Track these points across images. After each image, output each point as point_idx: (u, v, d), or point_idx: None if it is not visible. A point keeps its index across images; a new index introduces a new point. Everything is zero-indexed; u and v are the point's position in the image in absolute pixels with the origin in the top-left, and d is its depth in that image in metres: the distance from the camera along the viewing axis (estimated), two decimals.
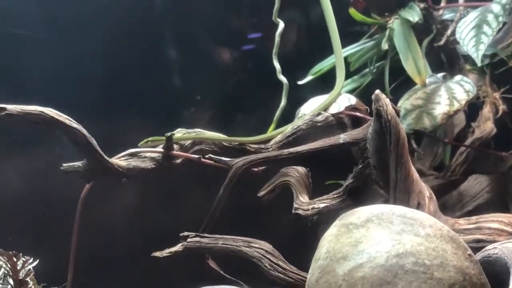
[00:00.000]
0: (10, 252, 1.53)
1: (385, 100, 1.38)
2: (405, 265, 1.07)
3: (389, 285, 1.06)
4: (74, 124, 1.50)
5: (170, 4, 2.02)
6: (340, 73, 1.76)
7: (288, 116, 1.82)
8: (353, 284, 1.09)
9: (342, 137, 1.60)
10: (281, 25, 1.85)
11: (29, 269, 1.57)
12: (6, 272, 1.53)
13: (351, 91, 1.84)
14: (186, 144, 1.65)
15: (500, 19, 1.64)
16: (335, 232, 1.16)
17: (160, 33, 2.03)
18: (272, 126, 1.77)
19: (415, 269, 1.06)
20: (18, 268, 1.53)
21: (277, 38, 1.85)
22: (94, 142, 1.53)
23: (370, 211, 1.17)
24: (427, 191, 1.44)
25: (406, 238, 1.09)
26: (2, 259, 1.54)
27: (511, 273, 1.14)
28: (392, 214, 1.15)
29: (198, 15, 2.05)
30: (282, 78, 1.85)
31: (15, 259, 1.53)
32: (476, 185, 1.71)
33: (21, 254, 1.54)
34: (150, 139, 1.61)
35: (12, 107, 1.44)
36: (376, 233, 1.12)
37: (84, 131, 1.51)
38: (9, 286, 1.52)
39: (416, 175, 1.43)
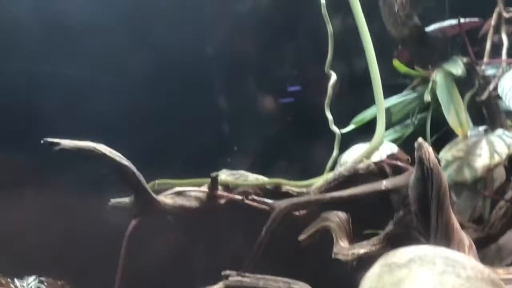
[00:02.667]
0: (59, 282, 1.56)
1: (428, 148, 1.38)
2: None
3: None
4: (124, 161, 1.52)
5: (220, 54, 2.06)
6: (381, 123, 1.76)
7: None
8: None
9: (384, 184, 1.60)
10: (333, 77, 1.88)
11: None
12: None
13: (393, 141, 1.84)
14: (232, 185, 1.67)
15: None
16: (378, 271, 1.16)
17: (211, 80, 2.06)
18: (325, 174, 1.79)
19: None
20: None
21: (329, 90, 1.88)
22: (142, 179, 1.55)
23: (412, 251, 1.16)
24: (467, 241, 1.43)
25: (448, 279, 1.09)
26: (45, 285, 1.58)
27: None
28: (434, 255, 1.13)
29: (248, 63, 2.09)
30: (335, 128, 1.88)
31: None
32: None
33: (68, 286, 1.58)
34: (157, 181, 1.64)
35: (66, 142, 1.46)
36: (418, 273, 1.10)
37: (134, 168, 1.53)
38: None
39: (456, 224, 1.43)
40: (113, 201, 1.58)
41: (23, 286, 1.57)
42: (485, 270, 1.16)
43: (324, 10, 1.88)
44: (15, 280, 1.58)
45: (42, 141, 1.47)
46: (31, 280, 1.59)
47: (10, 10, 1.87)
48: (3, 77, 1.87)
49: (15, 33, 1.88)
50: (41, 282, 1.59)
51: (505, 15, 1.87)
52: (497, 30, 1.88)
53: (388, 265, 1.16)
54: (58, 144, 1.47)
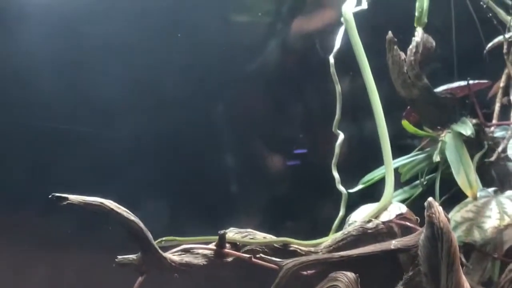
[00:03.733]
0: None
1: (438, 208, 1.38)
2: None
3: None
4: (132, 217, 1.51)
5: (229, 117, 2.08)
6: (390, 183, 1.77)
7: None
8: None
9: (394, 243, 1.58)
10: (341, 136, 1.89)
11: None
12: None
13: (402, 201, 1.84)
14: (239, 243, 1.65)
15: None
16: None
17: (222, 143, 2.09)
18: (331, 233, 1.78)
19: None
20: None
21: (336, 149, 1.88)
22: (150, 236, 1.53)
23: None
24: None
25: None
26: None
27: None
28: None
29: (257, 126, 2.12)
30: (341, 188, 1.87)
31: None
32: None
33: None
34: (164, 239, 1.62)
35: (73, 197, 1.45)
36: None
37: (141, 224, 1.51)
38: None
39: (466, 284, 1.42)
40: (120, 257, 1.57)
41: None
42: None
43: (332, 69, 1.89)
44: None
45: (50, 196, 1.47)
46: None
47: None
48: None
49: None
50: None
51: None
52: (506, 92, 1.89)
53: None
54: (66, 199, 1.48)
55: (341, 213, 1.86)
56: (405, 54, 1.84)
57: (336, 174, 1.90)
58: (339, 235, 1.70)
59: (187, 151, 2.02)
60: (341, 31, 1.89)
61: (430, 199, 1.41)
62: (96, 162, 1.93)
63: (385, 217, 1.72)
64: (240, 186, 2.07)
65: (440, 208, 1.40)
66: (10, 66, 1.91)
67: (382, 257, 1.61)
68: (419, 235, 1.48)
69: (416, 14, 1.86)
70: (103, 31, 1.97)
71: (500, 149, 1.80)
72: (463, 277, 1.43)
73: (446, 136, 1.84)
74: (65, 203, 1.47)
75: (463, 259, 1.75)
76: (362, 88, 1.83)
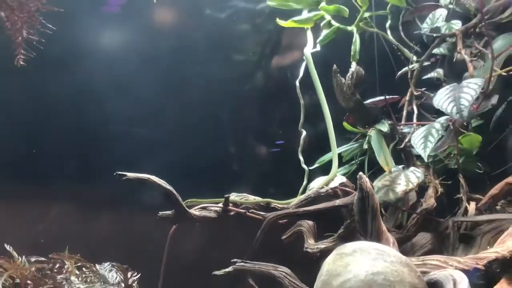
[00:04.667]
0: (124, 266, 1.56)
1: (366, 179, 1.42)
2: (377, 280, 1.09)
3: None
4: (168, 186, 1.56)
5: (231, 121, 2.05)
6: (335, 162, 1.79)
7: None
8: None
9: (337, 202, 1.64)
10: (304, 133, 1.92)
11: (135, 279, 1.60)
12: (120, 279, 1.57)
13: (343, 175, 1.86)
14: (238, 203, 1.69)
15: (440, 133, 1.65)
16: (332, 258, 1.19)
17: (228, 138, 2.06)
18: (298, 196, 1.80)
19: (383, 283, 1.08)
20: (128, 277, 1.56)
21: (301, 141, 1.91)
22: (180, 199, 1.58)
23: (355, 245, 1.20)
24: (391, 239, 1.46)
25: (378, 263, 1.12)
26: (118, 271, 1.58)
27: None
28: (369, 247, 1.17)
29: (250, 126, 2.10)
30: (304, 166, 1.90)
31: (127, 272, 1.57)
32: (423, 239, 1.69)
33: (129, 268, 1.58)
34: (189, 200, 1.63)
35: (130, 174, 1.51)
36: (359, 259, 1.14)
37: (174, 191, 1.57)
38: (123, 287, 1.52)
39: (384, 228, 1.46)
40: (161, 213, 1.60)
41: (101, 269, 1.57)
42: (403, 257, 1.19)
43: (298, 90, 1.92)
44: (96, 265, 1.58)
45: (114, 174, 1.49)
46: (106, 265, 1.59)
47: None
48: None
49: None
50: (113, 266, 1.59)
51: (415, 93, 1.89)
52: (410, 103, 1.89)
53: (339, 254, 1.19)
54: (125, 175, 1.49)
55: (304, 182, 1.88)
56: (345, 79, 1.83)
57: (301, 157, 1.93)
58: (303, 197, 1.74)
59: (202, 145, 1.98)
60: (303, 65, 1.91)
61: (361, 173, 1.45)
62: (143, 150, 1.91)
63: (332, 185, 1.76)
64: (240, 166, 2.04)
65: (367, 179, 1.43)
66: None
67: (330, 210, 1.65)
68: (354, 196, 1.50)
69: (352, 53, 1.87)
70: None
71: (406, 140, 1.78)
72: (382, 223, 1.46)
73: (371, 132, 1.85)
74: (124, 178, 1.50)
75: (383, 211, 1.78)
76: (317, 101, 1.84)
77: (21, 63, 1.37)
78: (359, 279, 1.10)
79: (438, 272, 1.24)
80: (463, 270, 1.27)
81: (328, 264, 1.18)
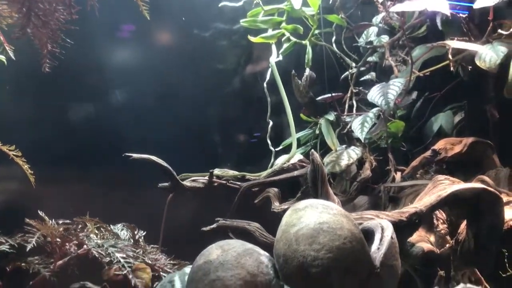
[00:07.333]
0: (132, 225, 1.55)
1: (316, 154, 1.40)
2: (323, 228, 1.06)
3: (315, 237, 1.07)
4: (165, 164, 1.53)
5: (219, 115, 2.03)
6: (294, 145, 1.77)
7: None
8: (298, 237, 1.09)
9: (296, 173, 1.63)
10: (271, 122, 1.89)
11: (140, 236, 1.58)
12: (130, 236, 1.55)
13: (301, 153, 1.84)
14: (220, 176, 1.67)
15: (373, 120, 1.64)
16: (289, 213, 1.17)
17: (215, 130, 2.03)
18: (267, 170, 1.77)
19: (328, 230, 1.06)
20: (135, 233, 1.54)
21: (269, 129, 1.88)
22: (175, 173, 1.55)
23: (306, 202, 1.17)
24: (336, 200, 1.44)
25: (324, 215, 1.10)
26: (127, 229, 1.56)
27: (375, 233, 1.16)
28: (317, 203, 1.14)
29: (234, 119, 2.07)
30: (272, 148, 1.87)
31: (134, 230, 1.56)
32: (362, 201, 1.70)
33: (136, 227, 1.56)
34: (182, 175, 1.61)
35: (135, 155, 1.47)
36: (309, 212, 1.11)
37: (170, 168, 1.53)
38: (132, 242, 1.51)
39: (331, 191, 1.44)
40: (160, 184, 1.57)
41: (114, 229, 1.55)
42: (342, 210, 1.19)
43: (266, 90, 1.90)
44: (111, 225, 1.56)
45: (123, 155, 1.46)
46: (119, 225, 1.58)
47: None
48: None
49: None
50: (124, 226, 1.57)
51: (354, 91, 1.88)
52: (350, 98, 1.89)
53: (294, 209, 1.18)
54: (131, 156, 1.47)
55: (272, 160, 1.84)
56: (301, 81, 1.81)
57: (269, 141, 1.89)
58: (270, 170, 1.73)
59: (194, 134, 1.93)
60: (269, 71, 1.87)
61: (312, 150, 1.44)
62: (150, 140, 1.85)
63: (292, 161, 1.73)
64: (224, 149, 2.01)
65: (318, 155, 1.41)
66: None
67: (291, 180, 1.65)
68: (307, 169, 1.47)
69: (306, 61, 1.83)
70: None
71: (348, 126, 1.77)
72: (329, 188, 1.43)
73: (322, 121, 1.84)
74: (131, 158, 1.47)
75: (331, 180, 1.78)
76: (280, 99, 1.80)
77: (47, 70, 1.33)
78: (310, 227, 1.09)
79: (370, 222, 1.23)
80: (391, 221, 1.27)
81: (286, 217, 1.16)
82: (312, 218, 1.09)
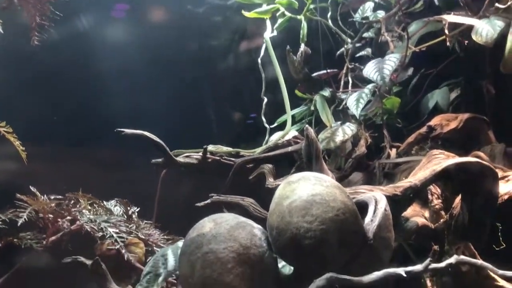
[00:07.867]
0: (125, 200, 1.54)
1: (310, 129, 1.39)
2: (316, 199, 1.05)
3: (308, 209, 1.05)
4: (158, 140, 1.50)
5: (215, 94, 2.04)
6: (289, 121, 1.75)
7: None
8: (291, 209, 1.08)
9: (290, 148, 1.62)
10: (265, 99, 1.86)
11: (134, 211, 1.58)
12: (123, 212, 1.54)
13: (296, 130, 1.82)
14: (214, 152, 1.65)
15: (369, 96, 1.64)
16: (283, 185, 1.15)
17: (211, 111, 2.03)
18: (262, 146, 1.75)
19: (321, 201, 1.05)
20: (129, 209, 1.53)
21: (263, 105, 1.85)
22: (168, 149, 1.52)
23: (300, 175, 1.15)
24: (331, 174, 1.42)
25: (317, 187, 1.08)
26: (120, 205, 1.55)
27: (369, 205, 1.15)
28: (310, 176, 1.13)
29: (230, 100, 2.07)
30: (266, 125, 1.85)
31: (127, 205, 1.55)
32: (357, 177, 1.69)
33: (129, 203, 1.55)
34: (176, 151, 1.59)
35: (127, 131, 1.43)
36: (303, 185, 1.10)
37: (163, 144, 1.50)
38: (125, 218, 1.51)
39: (325, 166, 1.42)
40: (154, 160, 1.56)
41: (107, 205, 1.54)
42: (335, 182, 1.17)
43: (260, 66, 1.87)
44: (104, 201, 1.55)
45: (115, 130, 1.44)
46: (112, 202, 1.57)
47: None
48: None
49: None
50: (117, 202, 1.56)
51: (350, 67, 1.86)
52: (346, 75, 1.87)
53: (288, 182, 1.16)
54: (123, 131, 1.44)
55: (267, 137, 1.81)
56: (296, 57, 1.78)
57: (263, 118, 1.86)
58: (264, 146, 1.70)
59: (190, 110, 1.94)
60: (264, 46, 1.83)
61: (307, 126, 1.41)
62: (147, 116, 1.85)
63: (287, 137, 1.71)
64: (219, 128, 2.02)
65: (312, 131, 1.39)
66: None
67: (285, 156, 1.63)
68: (302, 144, 1.47)
69: (301, 36, 1.81)
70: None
71: (344, 102, 1.76)
72: (324, 163, 1.41)
73: (317, 97, 1.81)
74: (123, 133, 1.44)
75: (326, 157, 1.76)
76: (275, 75, 1.77)
77: (36, 43, 1.30)
78: (303, 199, 1.06)
79: (364, 195, 1.22)
80: (385, 196, 1.26)
81: (279, 190, 1.15)
82: (305, 190, 1.08)
